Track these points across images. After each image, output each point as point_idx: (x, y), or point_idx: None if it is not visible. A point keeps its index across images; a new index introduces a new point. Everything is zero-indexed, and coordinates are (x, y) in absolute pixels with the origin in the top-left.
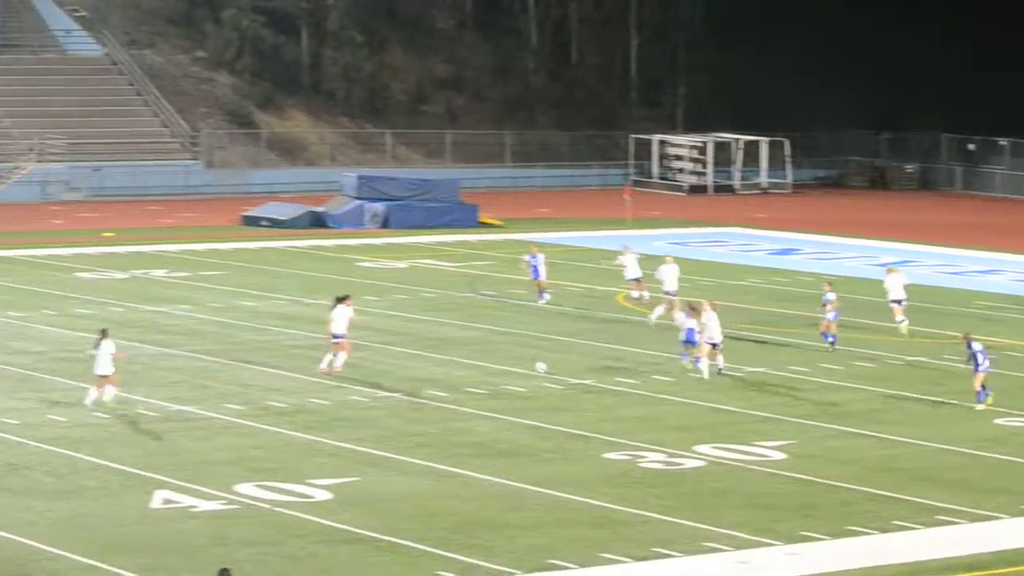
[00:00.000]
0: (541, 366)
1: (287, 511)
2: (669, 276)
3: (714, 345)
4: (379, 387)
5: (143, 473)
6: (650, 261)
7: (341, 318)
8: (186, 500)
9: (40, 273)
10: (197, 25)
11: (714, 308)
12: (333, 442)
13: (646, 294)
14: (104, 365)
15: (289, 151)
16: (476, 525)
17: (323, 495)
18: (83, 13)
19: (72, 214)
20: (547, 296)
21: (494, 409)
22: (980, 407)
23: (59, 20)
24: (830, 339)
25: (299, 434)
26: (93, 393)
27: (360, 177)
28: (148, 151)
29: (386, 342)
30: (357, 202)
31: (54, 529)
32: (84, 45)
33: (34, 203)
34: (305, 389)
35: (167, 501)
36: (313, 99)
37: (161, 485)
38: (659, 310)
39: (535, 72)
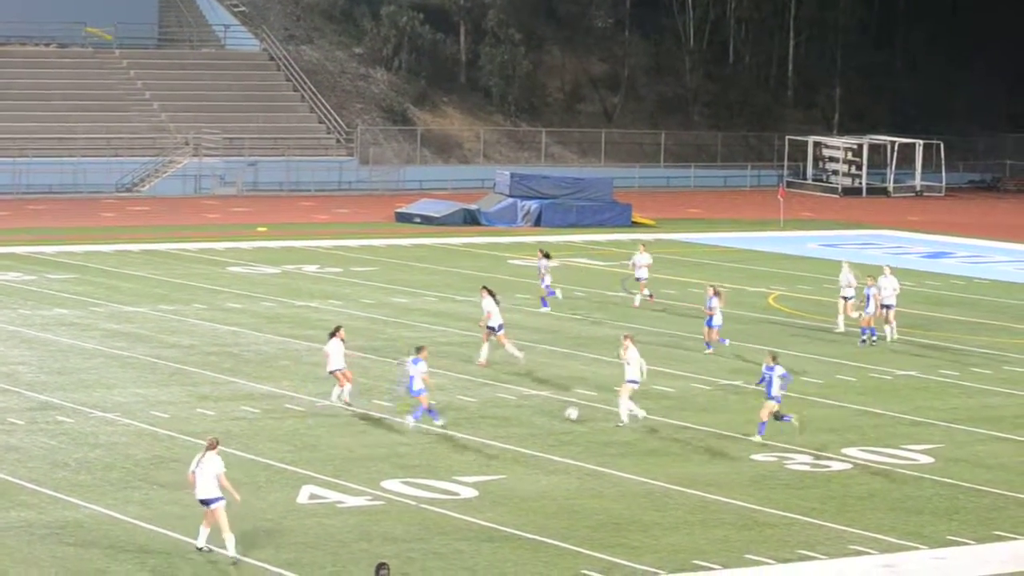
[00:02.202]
0: (573, 412)
1: (433, 508)
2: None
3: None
4: (526, 385)
5: (290, 468)
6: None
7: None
8: (332, 495)
9: (192, 267)
10: (355, 21)
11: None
12: (479, 439)
13: (646, 292)
14: (336, 361)
15: (444, 148)
16: (620, 524)
17: (469, 492)
18: (242, 8)
19: (226, 208)
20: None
21: (642, 408)
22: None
23: (218, 15)
24: (868, 334)
25: (446, 431)
26: (337, 389)
27: (514, 175)
28: (303, 147)
29: (535, 340)
30: (510, 200)
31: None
32: (242, 40)
33: (188, 197)
34: (453, 386)
35: (313, 496)
36: (469, 97)
37: (308, 480)
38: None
39: (691, 72)
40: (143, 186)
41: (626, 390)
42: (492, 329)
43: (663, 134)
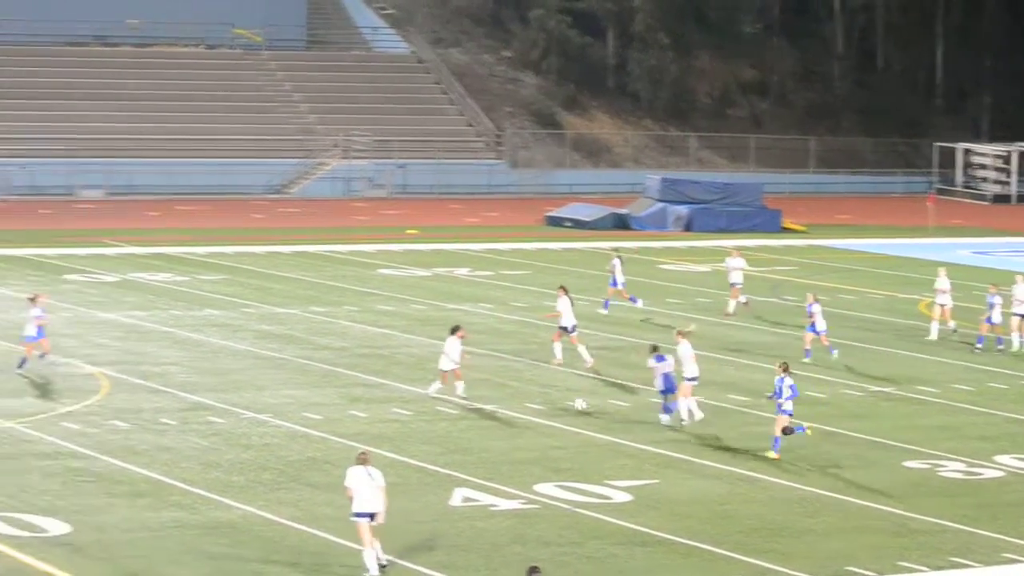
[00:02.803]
0: (581, 403)
1: (586, 512)
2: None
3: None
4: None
5: (443, 471)
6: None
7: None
8: (486, 499)
9: (343, 269)
10: (504, 25)
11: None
12: (632, 444)
13: (742, 298)
14: (445, 362)
15: (593, 152)
16: (773, 530)
17: (622, 497)
18: (390, 11)
19: (376, 211)
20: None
21: (794, 414)
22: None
23: (366, 18)
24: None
25: (599, 435)
26: (438, 384)
27: (664, 180)
28: (452, 149)
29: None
30: (660, 205)
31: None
32: (391, 43)
33: (338, 199)
34: (605, 391)
35: (467, 499)
36: (618, 101)
37: (461, 483)
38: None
39: (840, 78)
40: (292, 188)
41: (685, 389)
42: (564, 329)
43: (812, 140)
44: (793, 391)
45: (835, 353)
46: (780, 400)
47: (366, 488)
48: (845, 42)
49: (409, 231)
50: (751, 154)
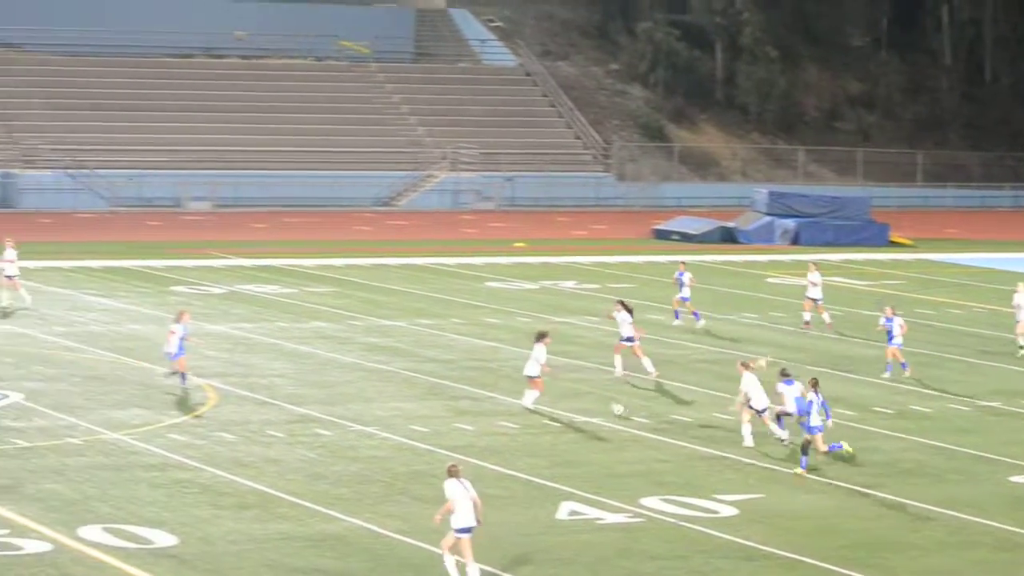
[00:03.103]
0: (619, 408)
1: (692, 525)
2: None
3: None
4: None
5: (549, 484)
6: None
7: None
8: (592, 512)
9: (450, 281)
10: (611, 37)
11: None
12: (738, 457)
13: (826, 316)
14: (532, 367)
15: (700, 165)
16: (878, 544)
17: (728, 511)
18: (499, 24)
19: (483, 223)
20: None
21: (900, 429)
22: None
23: (475, 31)
24: None
25: (704, 448)
26: (531, 394)
27: (771, 193)
28: (560, 162)
29: (792, 359)
30: (768, 218)
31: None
32: (499, 56)
33: (446, 211)
34: (711, 403)
35: (573, 512)
36: (725, 114)
37: (568, 496)
38: None
39: (948, 91)
40: (400, 200)
41: (747, 413)
42: (628, 340)
43: (920, 153)
44: (825, 408)
45: (907, 369)
46: (806, 417)
47: (464, 501)
48: (953, 55)
49: (516, 244)
50: (859, 168)
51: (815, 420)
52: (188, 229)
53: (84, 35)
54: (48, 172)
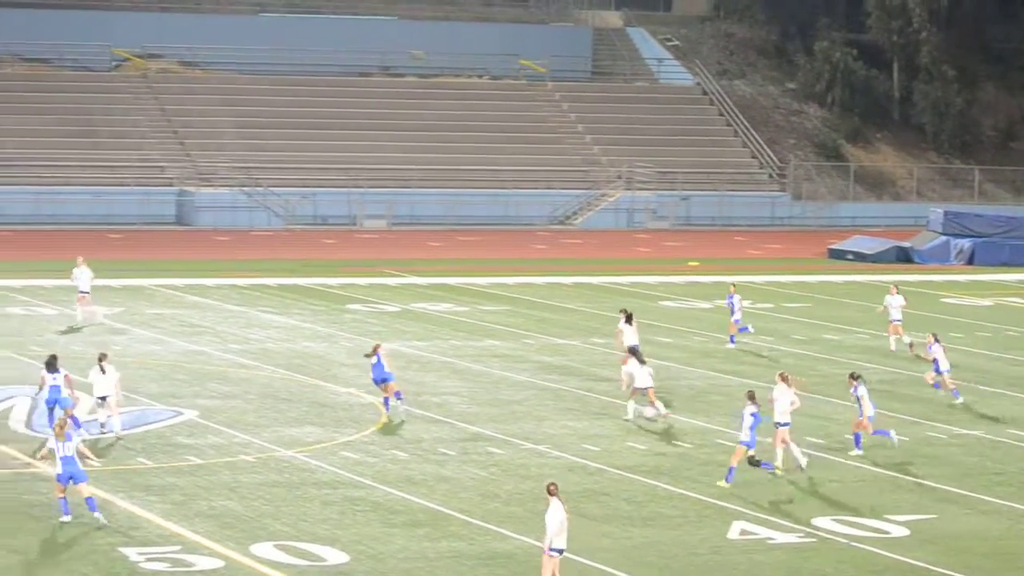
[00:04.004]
0: (649, 411)
1: (863, 546)
2: None
3: None
4: (958, 423)
5: (720, 503)
6: None
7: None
8: (763, 531)
9: (624, 300)
10: (788, 57)
11: None
12: (910, 478)
13: (906, 338)
14: (643, 379)
15: (876, 185)
16: None
17: (900, 531)
18: (676, 43)
19: (658, 242)
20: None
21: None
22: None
23: (652, 49)
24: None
25: (877, 469)
26: (650, 409)
27: (947, 213)
28: (735, 181)
29: (969, 379)
30: (943, 238)
31: (628, 555)
32: (676, 74)
33: (620, 230)
34: (884, 424)
35: (744, 532)
36: (902, 133)
37: (739, 516)
38: None
39: None
40: (575, 219)
41: (777, 436)
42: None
43: None
44: (756, 419)
45: (959, 398)
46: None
47: (561, 523)
48: None
49: (691, 263)
50: None
51: (745, 435)
52: (363, 247)
53: (261, 54)
54: (224, 190)
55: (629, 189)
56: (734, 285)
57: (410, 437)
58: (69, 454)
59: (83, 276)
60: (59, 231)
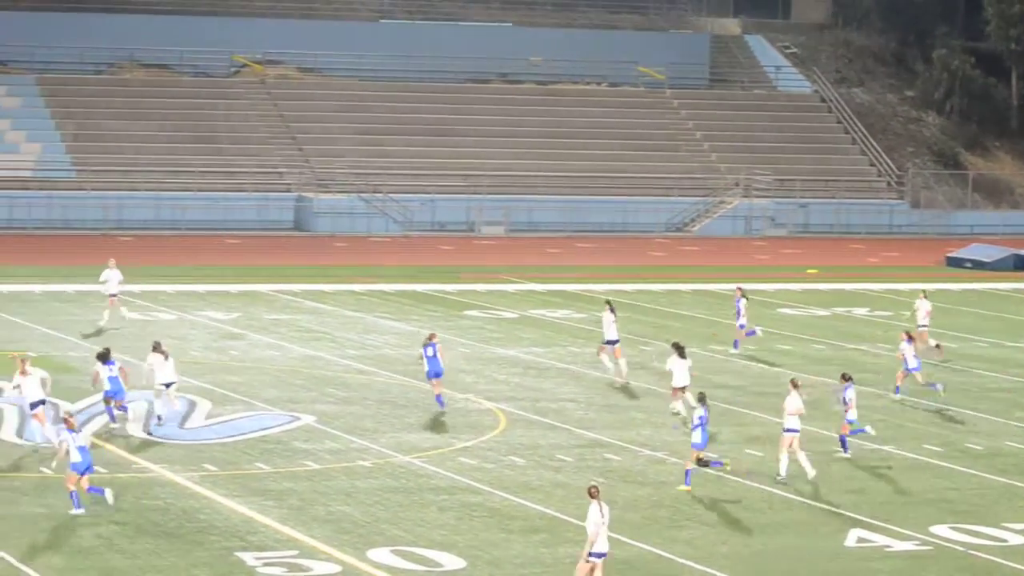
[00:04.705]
0: (680, 406)
1: (980, 554)
2: None
3: None
4: None
5: (837, 510)
6: None
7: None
8: (880, 539)
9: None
10: (907, 64)
11: None
12: None
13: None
14: (681, 377)
15: (994, 193)
16: None
17: (1017, 539)
18: (794, 50)
19: (776, 250)
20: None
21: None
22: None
23: (770, 57)
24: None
25: (995, 477)
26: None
27: None
28: (853, 189)
29: None
30: None
31: (748, 563)
32: (794, 82)
33: (738, 238)
34: (1003, 432)
35: (861, 540)
36: (1020, 141)
37: (856, 523)
38: None
39: None
40: (693, 226)
41: (784, 441)
42: (610, 343)
43: None
44: (702, 421)
45: (939, 387)
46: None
47: (600, 526)
48: None
49: (809, 271)
50: None
51: (696, 436)
52: (481, 254)
53: (380, 60)
54: (342, 196)
55: (747, 196)
56: (740, 288)
57: (527, 443)
58: (84, 444)
59: (113, 278)
60: (178, 236)
